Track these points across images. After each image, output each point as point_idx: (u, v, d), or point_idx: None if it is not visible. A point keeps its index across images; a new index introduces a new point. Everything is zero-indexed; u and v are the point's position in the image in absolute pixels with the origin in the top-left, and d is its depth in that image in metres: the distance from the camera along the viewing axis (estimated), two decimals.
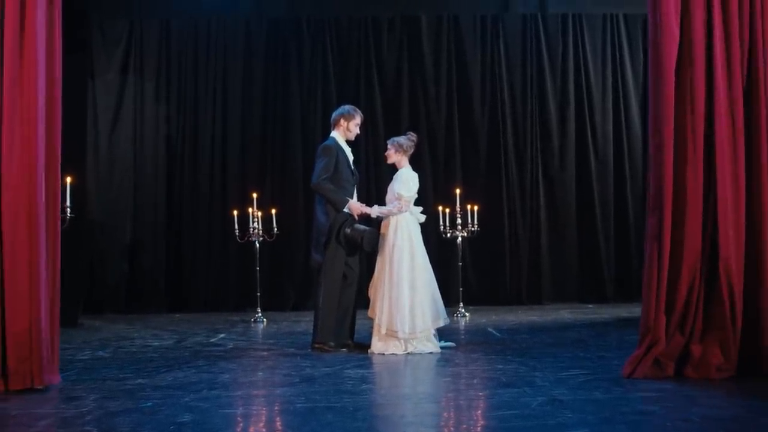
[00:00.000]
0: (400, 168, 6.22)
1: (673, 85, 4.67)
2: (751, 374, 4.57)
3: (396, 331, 5.82)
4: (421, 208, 6.21)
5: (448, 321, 6.18)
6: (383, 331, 5.87)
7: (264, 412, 4.06)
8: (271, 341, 7.06)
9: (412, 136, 6.29)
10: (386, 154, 6.30)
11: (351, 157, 6.31)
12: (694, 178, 4.67)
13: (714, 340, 4.63)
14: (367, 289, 6.15)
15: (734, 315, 4.63)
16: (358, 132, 6.41)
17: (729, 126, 4.72)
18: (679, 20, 4.71)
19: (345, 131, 6.29)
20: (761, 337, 4.62)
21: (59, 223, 4.78)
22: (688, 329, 4.65)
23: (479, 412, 4.03)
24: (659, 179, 4.67)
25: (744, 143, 4.74)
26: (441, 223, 8.94)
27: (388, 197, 6.15)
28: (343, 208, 6.12)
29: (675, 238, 4.65)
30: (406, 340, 5.85)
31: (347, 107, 6.40)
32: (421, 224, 6.21)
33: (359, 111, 6.42)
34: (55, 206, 4.73)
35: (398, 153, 6.20)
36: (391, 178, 6.29)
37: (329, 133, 6.39)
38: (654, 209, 4.68)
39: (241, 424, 3.82)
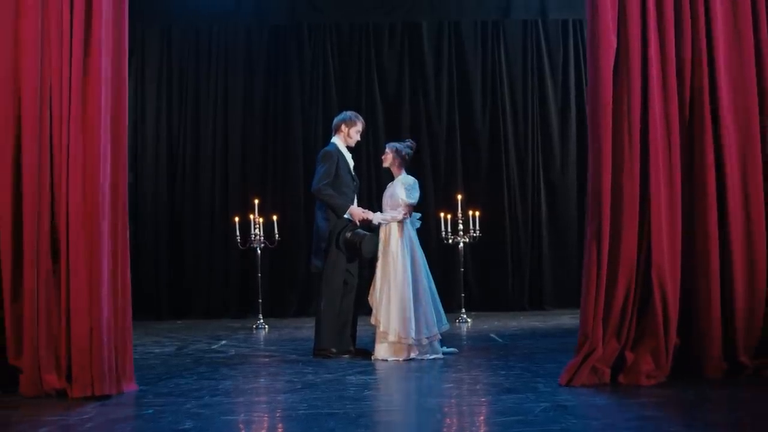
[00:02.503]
0: (396, 175, 6.21)
1: (610, 92, 4.67)
2: (691, 378, 4.60)
3: (400, 337, 5.81)
4: (419, 215, 6.21)
5: (449, 326, 6.17)
6: (389, 338, 5.85)
7: (266, 418, 4.05)
8: (272, 348, 7.05)
9: (412, 144, 6.28)
10: (383, 157, 6.30)
11: (351, 163, 6.31)
12: (631, 185, 4.67)
13: (646, 346, 4.62)
14: (369, 296, 6.13)
15: (667, 322, 4.62)
16: (359, 138, 6.41)
17: (664, 134, 4.73)
18: (616, 28, 4.71)
19: (346, 137, 6.29)
20: (700, 342, 4.65)
21: (127, 233, 4.74)
22: (623, 336, 4.64)
23: (482, 418, 4.01)
24: (597, 187, 4.66)
25: (680, 151, 4.75)
26: (442, 229, 8.93)
27: (390, 204, 6.12)
28: (344, 213, 6.12)
29: (613, 246, 4.64)
30: (409, 346, 5.84)
31: (349, 113, 6.40)
32: (422, 230, 6.20)
33: (361, 118, 6.41)
34: (123, 214, 4.70)
35: (395, 159, 6.18)
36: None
37: (330, 138, 6.39)
38: (593, 217, 4.67)
39: (243, 431, 3.81)
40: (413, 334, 5.82)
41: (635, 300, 4.67)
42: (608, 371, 4.59)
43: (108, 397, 4.40)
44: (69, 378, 4.48)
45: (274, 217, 8.99)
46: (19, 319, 4.61)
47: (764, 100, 4.86)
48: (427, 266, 6.09)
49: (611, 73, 4.70)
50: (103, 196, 4.55)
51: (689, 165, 4.80)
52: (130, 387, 4.66)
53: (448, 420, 3.98)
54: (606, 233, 4.62)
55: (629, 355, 4.61)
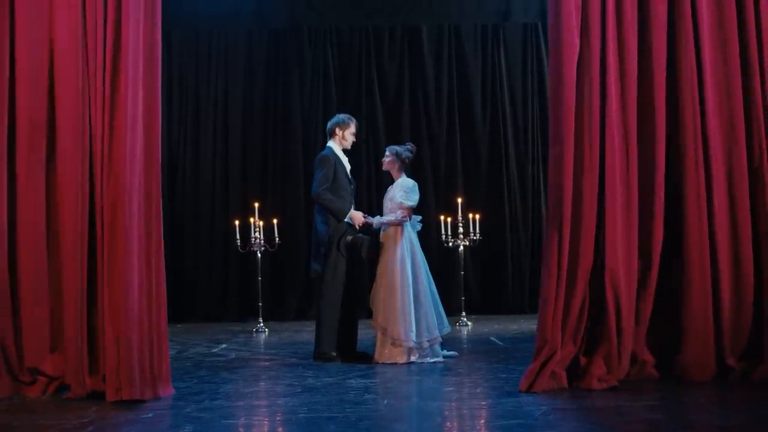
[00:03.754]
0: (396, 178, 6.22)
1: (573, 96, 4.68)
2: (680, 382, 4.63)
3: (401, 341, 5.81)
4: (420, 217, 6.21)
5: (449, 329, 6.17)
6: (388, 341, 5.86)
7: (266, 422, 4.05)
8: (273, 351, 7.04)
9: (412, 147, 6.29)
10: (383, 160, 6.31)
11: (348, 167, 6.32)
12: (590, 190, 4.67)
13: (599, 350, 4.63)
14: (369, 299, 6.13)
15: (620, 326, 4.63)
16: (355, 140, 6.41)
17: (621, 137, 4.74)
18: (579, 31, 4.72)
19: (341, 140, 6.30)
20: (688, 345, 4.68)
21: (161, 237, 4.74)
22: (579, 340, 4.65)
23: (482, 421, 4.01)
24: (559, 190, 4.65)
25: (638, 154, 4.76)
26: (443, 232, 8.93)
27: (390, 207, 6.13)
28: (345, 218, 6.13)
29: (573, 250, 4.65)
30: (409, 350, 5.84)
31: (342, 116, 6.41)
32: (423, 233, 6.20)
33: (354, 119, 6.42)
34: (157, 219, 4.69)
35: (395, 162, 6.19)
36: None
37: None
38: (553, 220, 4.67)
39: None
40: (413, 337, 5.82)
41: (591, 304, 4.68)
42: (564, 375, 4.58)
43: (141, 401, 4.40)
44: (104, 381, 4.50)
45: (275, 221, 8.99)
46: (60, 321, 4.66)
47: (749, 103, 4.86)
48: (428, 269, 6.09)
49: (574, 75, 4.69)
50: (131, 198, 4.55)
51: (643, 167, 4.81)
52: (167, 391, 4.67)
53: (448, 423, 3.97)
54: (566, 237, 4.61)
55: (582, 359, 4.63)
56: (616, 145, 4.73)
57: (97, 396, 4.50)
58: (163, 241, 4.75)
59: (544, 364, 4.54)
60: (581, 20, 4.74)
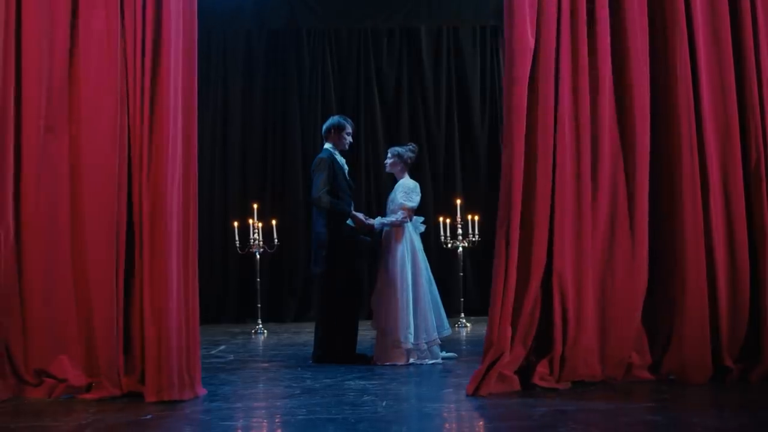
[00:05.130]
0: (399, 178, 6.23)
1: (525, 96, 4.65)
2: (677, 383, 4.66)
3: (400, 342, 5.81)
4: (422, 218, 6.22)
5: (450, 331, 6.17)
6: (387, 342, 5.86)
7: (265, 424, 4.04)
8: (272, 353, 7.04)
9: (414, 147, 6.31)
10: (386, 163, 6.32)
11: (346, 168, 6.32)
12: (543, 191, 4.65)
13: (545, 351, 4.63)
14: (369, 300, 6.13)
15: (566, 327, 4.62)
16: (351, 141, 6.42)
17: (573, 139, 4.73)
18: (534, 31, 4.69)
19: (337, 142, 6.30)
20: (685, 346, 4.69)
21: (197, 239, 4.74)
22: (530, 341, 4.64)
23: (481, 422, 4.01)
24: (508, 191, 4.63)
25: (590, 155, 4.75)
26: (441, 233, 8.93)
27: (391, 208, 6.14)
28: (346, 219, 6.14)
29: (524, 251, 4.62)
30: (409, 351, 5.83)
31: (336, 118, 6.42)
32: (422, 234, 6.21)
33: (349, 120, 6.43)
34: (193, 219, 4.70)
35: (398, 164, 6.21)
36: (392, 188, 6.29)
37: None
38: (503, 220, 4.66)
39: None
40: (412, 339, 5.82)
41: (541, 306, 4.67)
42: (516, 378, 4.56)
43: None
44: (143, 383, 4.51)
45: (273, 222, 8.99)
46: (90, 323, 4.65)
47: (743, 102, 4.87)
48: (429, 271, 6.09)
49: (528, 76, 4.66)
50: (171, 199, 4.56)
51: (595, 169, 4.81)
52: (201, 391, 4.67)
53: (447, 425, 3.97)
54: (515, 238, 4.58)
55: (532, 360, 4.63)
56: (567, 147, 4.70)
57: (130, 396, 4.52)
58: (197, 242, 4.76)
59: (490, 367, 4.51)
60: (537, 17, 4.69)
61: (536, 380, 4.54)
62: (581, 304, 4.68)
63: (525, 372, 4.61)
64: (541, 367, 4.58)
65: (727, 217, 4.82)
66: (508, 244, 4.59)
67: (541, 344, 4.68)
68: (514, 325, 4.60)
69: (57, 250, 4.70)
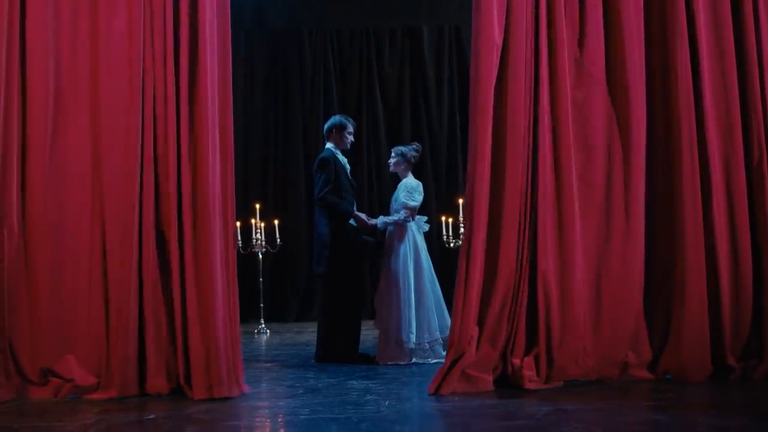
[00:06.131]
0: (403, 178, 6.25)
1: (491, 95, 4.58)
2: (678, 382, 4.67)
3: (402, 341, 5.81)
4: (425, 218, 6.22)
5: None
6: (389, 342, 5.86)
7: (268, 423, 4.04)
8: (274, 352, 7.04)
9: (417, 147, 6.33)
10: (389, 162, 6.34)
11: (348, 167, 6.33)
12: (513, 191, 4.60)
13: (529, 352, 4.62)
14: (372, 300, 6.13)
15: (549, 328, 4.61)
16: (353, 140, 6.42)
17: (551, 140, 4.68)
18: (502, 28, 4.61)
19: (339, 141, 6.30)
20: (688, 345, 4.67)
21: (233, 236, 4.79)
22: (501, 342, 4.60)
23: (484, 421, 4.00)
24: (472, 191, 4.60)
25: (582, 154, 4.74)
26: (444, 232, 8.92)
27: (394, 207, 6.16)
28: (349, 219, 6.14)
29: (491, 252, 4.59)
30: (411, 350, 5.84)
31: (338, 117, 6.42)
32: (425, 233, 6.21)
33: (351, 120, 6.44)
34: (231, 218, 4.74)
35: (402, 163, 6.23)
36: (394, 188, 6.30)
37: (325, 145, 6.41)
38: (467, 219, 4.63)
39: None
40: (414, 339, 5.82)
41: (517, 306, 4.63)
42: (488, 378, 4.55)
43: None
44: (188, 382, 4.54)
45: (276, 222, 8.99)
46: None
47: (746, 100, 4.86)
48: (432, 270, 6.10)
49: (494, 74, 4.59)
50: (214, 199, 4.59)
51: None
52: (244, 388, 4.72)
53: (450, 424, 3.97)
54: (480, 239, 4.56)
55: (512, 361, 4.60)
56: (547, 149, 4.67)
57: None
58: (235, 239, 4.82)
59: (451, 366, 4.51)
60: (506, 14, 4.61)
61: (525, 383, 4.53)
62: (567, 304, 4.65)
63: (510, 374, 4.60)
64: (527, 369, 4.57)
65: (730, 215, 4.81)
66: (469, 243, 4.57)
67: (526, 345, 4.66)
68: (480, 325, 4.58)
69: (66, 250, 4.70)
